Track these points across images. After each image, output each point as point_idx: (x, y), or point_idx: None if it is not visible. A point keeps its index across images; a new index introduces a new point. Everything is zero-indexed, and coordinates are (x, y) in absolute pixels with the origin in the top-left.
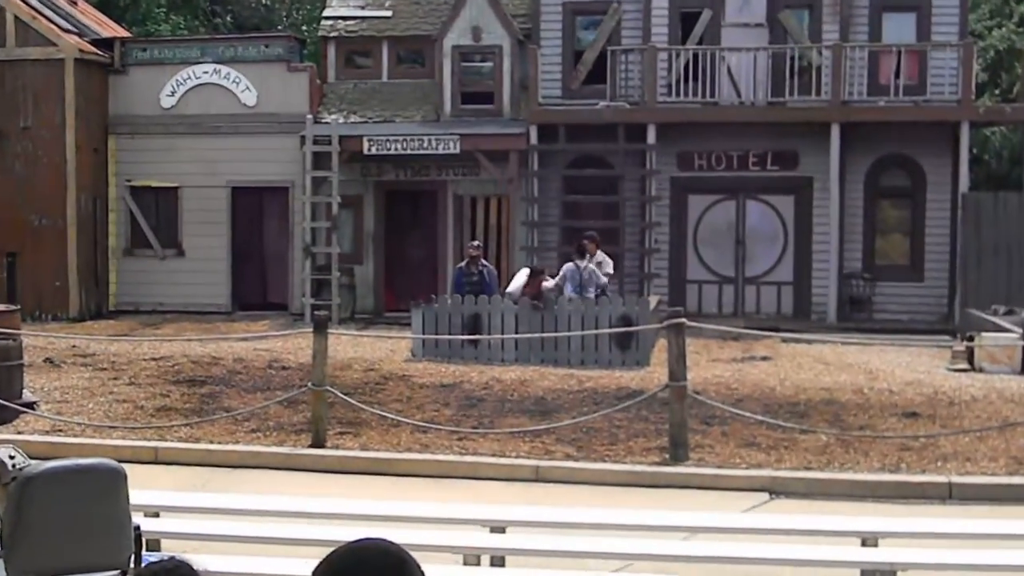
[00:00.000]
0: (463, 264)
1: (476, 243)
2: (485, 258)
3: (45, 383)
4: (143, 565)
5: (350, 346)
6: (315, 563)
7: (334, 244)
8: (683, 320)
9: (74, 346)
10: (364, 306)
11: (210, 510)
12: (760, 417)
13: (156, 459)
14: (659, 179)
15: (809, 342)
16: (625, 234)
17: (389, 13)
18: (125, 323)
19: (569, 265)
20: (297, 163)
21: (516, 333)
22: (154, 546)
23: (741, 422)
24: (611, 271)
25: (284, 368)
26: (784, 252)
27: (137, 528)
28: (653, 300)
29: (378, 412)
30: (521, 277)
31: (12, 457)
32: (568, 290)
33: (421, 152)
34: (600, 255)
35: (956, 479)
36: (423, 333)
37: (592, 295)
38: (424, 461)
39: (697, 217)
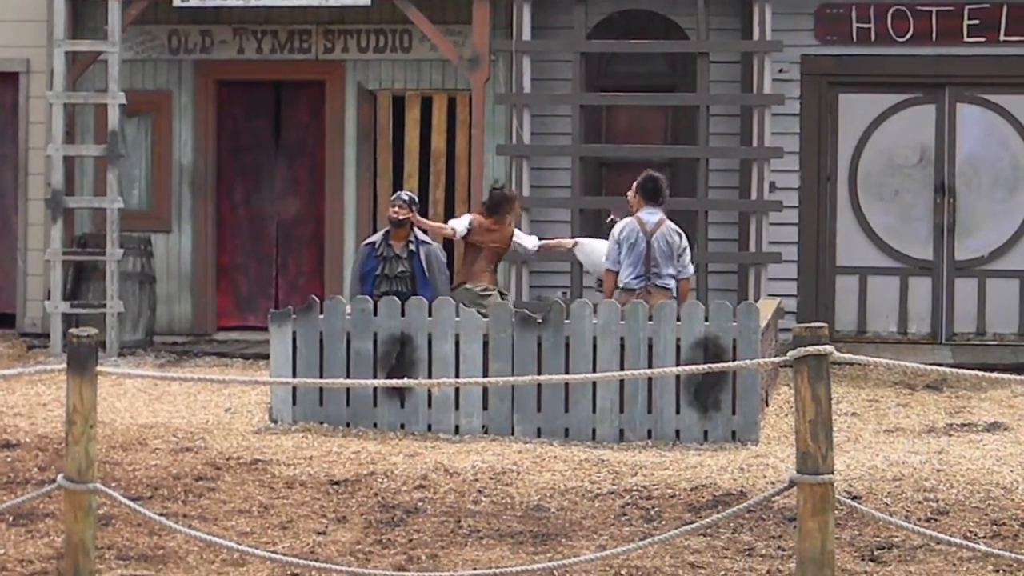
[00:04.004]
0: (376, 238)
1: (405, 195)
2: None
3: None
4: None
5: (145, 401)
6: None
7: (112, 192)
8: (829, 349)
9: None
10: (173, 318)
11: None
12: (983, 547)
13: None
14: (779, 60)
15: None
16: (708, 174)
17: None
18: None
19: (628, 221)
20: (36, 25)
21: (485, 374)
22: None
23: (943, 557)
24: (690, 266)
25: (8, 446)
26: None
27: None
28: (767, 307)
29: (201, 535)
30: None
31: None
32: (625, 272)
33: (291, 2)
34: (661, 221)
35: None
36: (294, 373)
37: (671, 285)
38: None
39: (858, 139)
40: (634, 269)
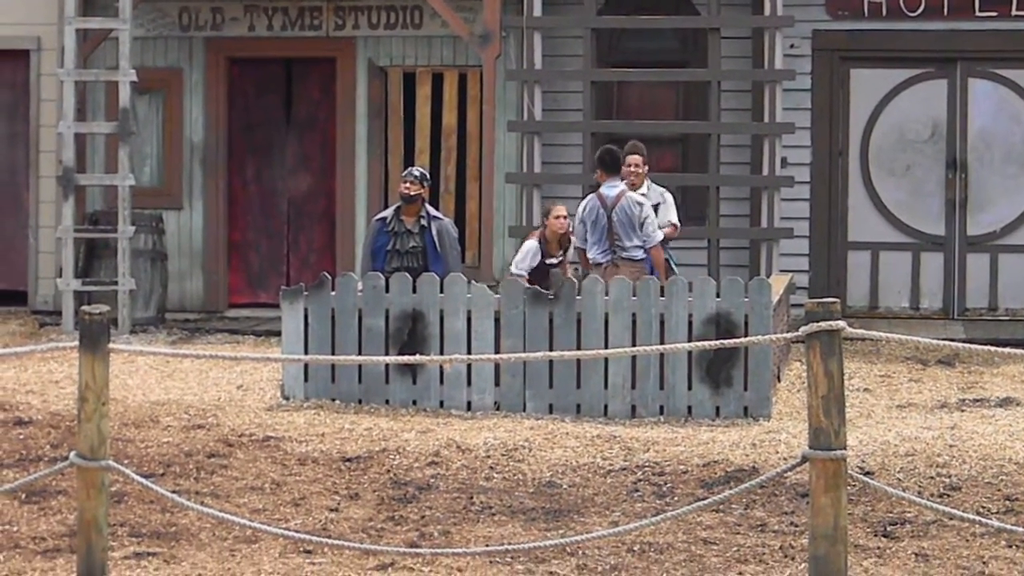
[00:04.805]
0: (388, 214)
1: (417, 171)
2: (435, 202)
3: None
4: None
5: (157, 378)
6: None
7: (124, 170)
8: (841, 325)
9: None
10: (185, 295)
11: None
12: (995, 522)
13: None
14: (791, 35)
15: None
16: (719, 150)
17: None
18: None
19: (590, 198)
20: (47, 2)
21: (497, 351)
22: None
23: (956, 532)
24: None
25: (20, 423)
26: None
27: None
28: (779, 283)
29: (214, 512)
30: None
31: None
32: (591, 248)
33: None
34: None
35: None
36: (306, 350)
37: (639, 257)
38: None
39: (870, 114)
40: (599, 244)
